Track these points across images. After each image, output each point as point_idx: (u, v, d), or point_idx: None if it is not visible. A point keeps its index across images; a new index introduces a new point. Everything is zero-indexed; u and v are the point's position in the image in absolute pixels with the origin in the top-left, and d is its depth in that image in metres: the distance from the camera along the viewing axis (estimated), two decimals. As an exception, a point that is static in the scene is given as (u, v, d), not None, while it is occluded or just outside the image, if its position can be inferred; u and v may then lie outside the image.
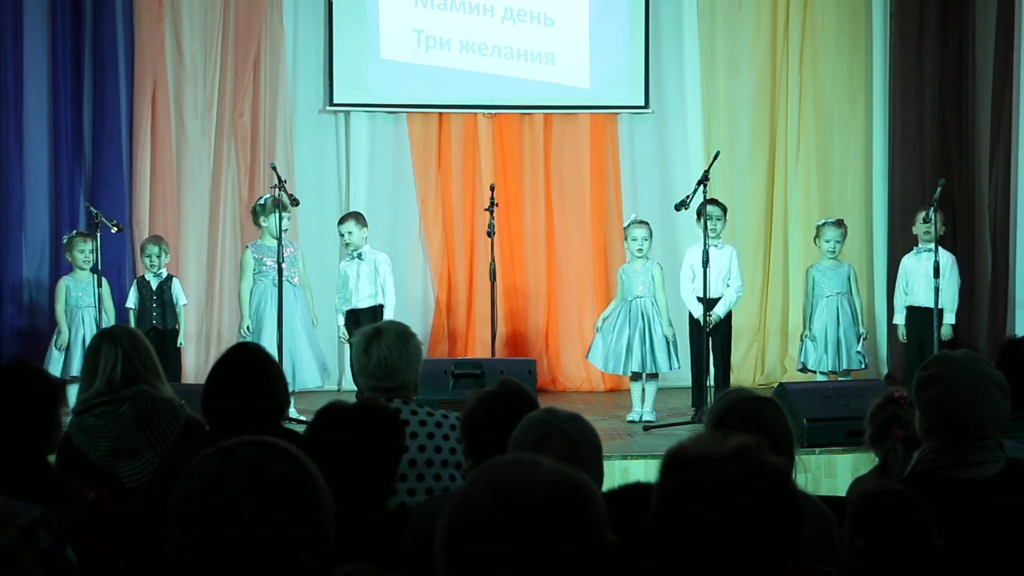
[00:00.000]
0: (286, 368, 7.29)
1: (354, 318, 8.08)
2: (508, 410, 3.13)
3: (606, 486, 2.80)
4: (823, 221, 8.43)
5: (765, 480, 1.83)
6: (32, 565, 2.44)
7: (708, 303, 7.64)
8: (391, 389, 3.83)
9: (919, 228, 8.22)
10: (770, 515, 1.81)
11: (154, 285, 8.34)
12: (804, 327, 8.25)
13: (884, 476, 3.40)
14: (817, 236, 8.33)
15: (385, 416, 2.98)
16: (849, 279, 8.21)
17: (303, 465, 1.74)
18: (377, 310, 8.09)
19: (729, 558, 1.80)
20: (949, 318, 8.07)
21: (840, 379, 7.97)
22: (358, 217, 8.30)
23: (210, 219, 9.68)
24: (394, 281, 8.33)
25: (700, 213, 7.77)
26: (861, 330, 8.21)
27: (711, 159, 7.83)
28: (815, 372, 8.16)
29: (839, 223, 8.34)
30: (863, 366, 8.28)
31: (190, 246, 9.62)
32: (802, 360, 8.21)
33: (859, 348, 8.14)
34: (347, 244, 8.24)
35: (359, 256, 8.21)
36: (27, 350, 8.82)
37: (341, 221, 8.35)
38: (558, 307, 10.05)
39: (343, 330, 8.22)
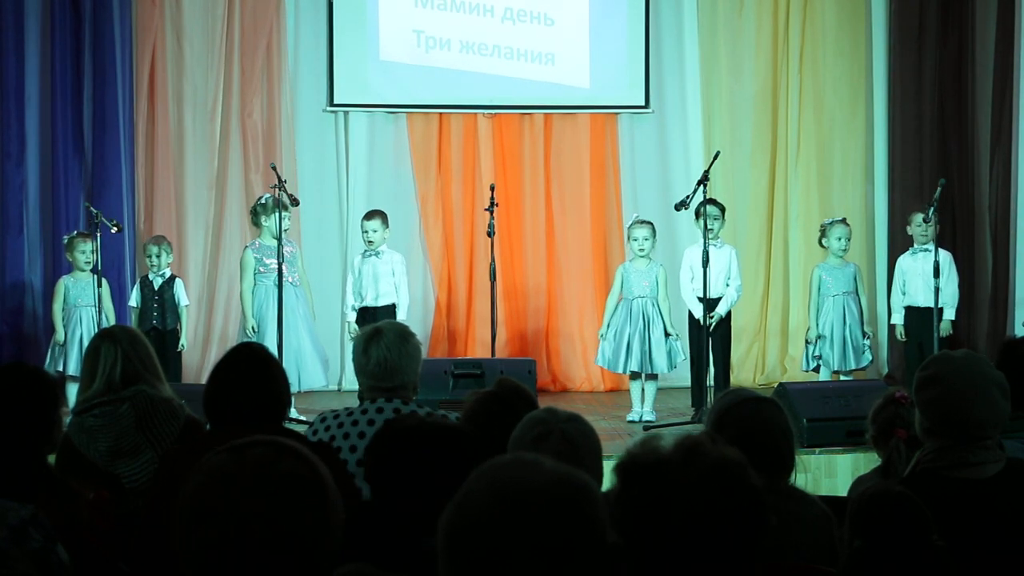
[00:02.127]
0: (291, 370, 7.27)
1: (365, 316, 8.05)
2: (506, 410, 3.13)
3: (606, 486, 2.80)
4: (830, 220, 8.42)
5: (724, 474, 1.82)
6: (23, 563, 2.44)
7: (708, 303, 7.64)
8: (390, 389, 3.82)
9: (915, 230, 8.23)
10: (734, 507, 1.80)
11: (156, 285, 8.33)
12: (813, 328, 8.20)
13: (887, 476, 3.40)
14: (823, 236, 8.31)
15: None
16: (855, 278, 8.21)
17: (312, 465, 1.74)
18: (389, 309, 8.09)
19: (703, 557, 1.80)
20: (949, 314, 8.07)
21: (841, 379, 7.97)
22: (384, 217, 8.31)
23: (213, 219, 9.67)
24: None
25: (699, 213, 7.77)
26: (867, 329, 8.21)
27: (711, 159, 7.83)
28: (818, 372, 8.16)
29: (844, 221, 8.35)
30: (868, 362, 8.29)
31: (191, 246, 9.60)
32: (815, 361, 8.16)
33: (864, 343, 8.14)
34: (369, 241, 8.23)
35: (376, 255, 8.21)
36: (25, 350, 8.81)
37: (367, 217, 8.33)
38: (558, 307, 10.04)
39: (354, 327, 8.18)
